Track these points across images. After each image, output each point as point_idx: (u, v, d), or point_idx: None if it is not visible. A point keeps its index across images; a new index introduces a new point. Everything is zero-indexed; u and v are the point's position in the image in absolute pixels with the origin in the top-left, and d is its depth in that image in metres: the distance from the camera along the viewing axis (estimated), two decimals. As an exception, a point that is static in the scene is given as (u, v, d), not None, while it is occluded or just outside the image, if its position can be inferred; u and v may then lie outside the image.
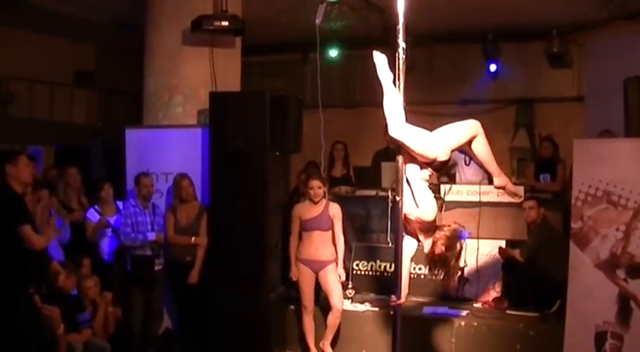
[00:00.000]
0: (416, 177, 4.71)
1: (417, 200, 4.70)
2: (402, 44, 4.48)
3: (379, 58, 4.59)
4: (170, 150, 7.96)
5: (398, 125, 4.50)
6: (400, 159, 4.61)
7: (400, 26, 4.50)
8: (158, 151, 7.99)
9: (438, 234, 4.82)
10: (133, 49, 8.90)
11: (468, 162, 9.42)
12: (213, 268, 7.38)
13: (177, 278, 7.52)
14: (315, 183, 7.29)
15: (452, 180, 9.18)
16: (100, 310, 6.86)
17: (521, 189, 8.30)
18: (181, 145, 7.95)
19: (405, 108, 4.54)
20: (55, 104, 12.31)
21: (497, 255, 7.81)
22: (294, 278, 7.40)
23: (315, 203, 7.29)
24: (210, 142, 7.48)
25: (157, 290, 7.57)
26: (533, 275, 7.28)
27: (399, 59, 4.49)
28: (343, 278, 7.38)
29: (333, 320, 7.31)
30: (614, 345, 6.20)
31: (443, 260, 4.80)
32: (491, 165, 5.04)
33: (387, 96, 4.52)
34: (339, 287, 7.36)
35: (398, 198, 4.58)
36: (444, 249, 4.77)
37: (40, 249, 5.80)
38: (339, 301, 7.30)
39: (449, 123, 4.79)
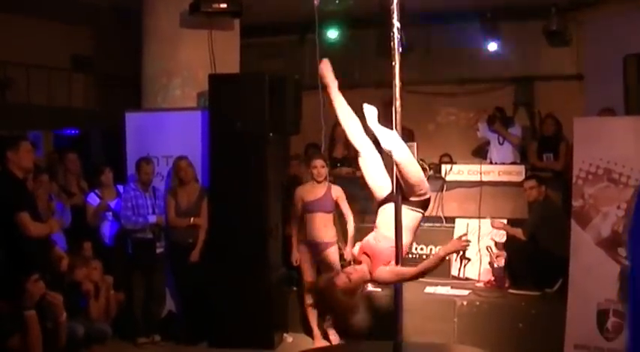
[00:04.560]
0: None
1: None
2: (396, 24, 4.46)
3: (369, 111, 4.55)
4: (170, 133, 7.96)
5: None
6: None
7: (394, 6, 4.47)
8: (158, 134, 7.99)
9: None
10: (131, 33, 8.84)
11: (501, 142, 9.42)
12: (214, 250, 7.40)
13: (179, 260, 7.54)
14: (319, 163, 7.29)
15: (484, 158, 9.24)
16: (102, 294, 6.86)
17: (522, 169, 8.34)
18: (181, 128, 7.95)
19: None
20: (53, 89, 12.23)
21: (494, 228, 7.81)
22: (296, 263, 7.42)
23: (319, 182, 7.29)
24: (209, 124, 7.47)
25: (159, 273, 7.60)
26: (535, 253, 7.28)
27: (394, 39, 4.46)
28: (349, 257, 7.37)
29: None
30: (616, 323, 6.22)
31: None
32: None
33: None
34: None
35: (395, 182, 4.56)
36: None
37: (38, 237, 5.78)
38: None
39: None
